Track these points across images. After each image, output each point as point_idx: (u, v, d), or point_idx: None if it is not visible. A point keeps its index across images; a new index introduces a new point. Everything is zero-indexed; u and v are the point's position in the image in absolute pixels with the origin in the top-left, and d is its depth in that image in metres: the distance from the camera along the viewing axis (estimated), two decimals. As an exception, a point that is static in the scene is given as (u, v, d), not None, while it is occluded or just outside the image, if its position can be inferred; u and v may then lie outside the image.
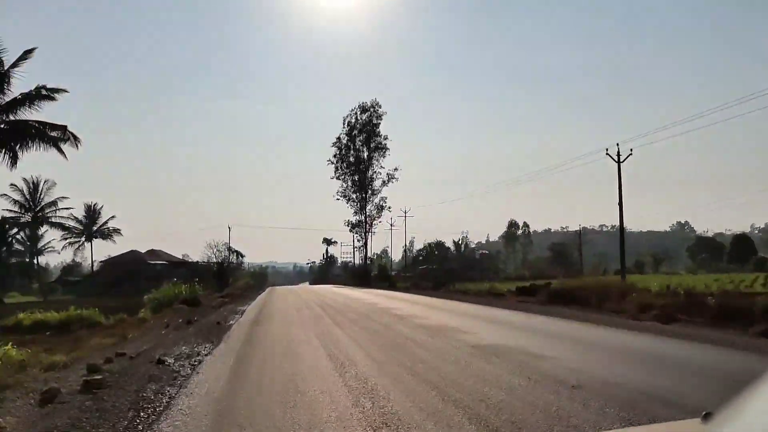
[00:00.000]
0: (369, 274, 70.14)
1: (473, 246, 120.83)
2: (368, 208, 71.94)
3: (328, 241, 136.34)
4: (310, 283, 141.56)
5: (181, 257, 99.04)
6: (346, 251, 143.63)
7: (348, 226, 72.25)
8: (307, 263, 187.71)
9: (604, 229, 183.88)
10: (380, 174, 71.66)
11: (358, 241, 73.29)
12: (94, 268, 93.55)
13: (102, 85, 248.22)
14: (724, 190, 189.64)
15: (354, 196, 71.90)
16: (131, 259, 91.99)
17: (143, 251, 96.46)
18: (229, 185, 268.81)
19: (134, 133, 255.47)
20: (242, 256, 49.85)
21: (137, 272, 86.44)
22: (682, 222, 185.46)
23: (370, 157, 71.75)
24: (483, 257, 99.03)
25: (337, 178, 72.03)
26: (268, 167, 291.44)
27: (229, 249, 49.11)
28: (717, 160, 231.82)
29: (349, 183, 71.80)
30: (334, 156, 72.25)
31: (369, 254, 74.01)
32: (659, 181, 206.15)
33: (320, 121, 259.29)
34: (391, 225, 78.83)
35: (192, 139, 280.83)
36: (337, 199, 71.93)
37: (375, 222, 72.57)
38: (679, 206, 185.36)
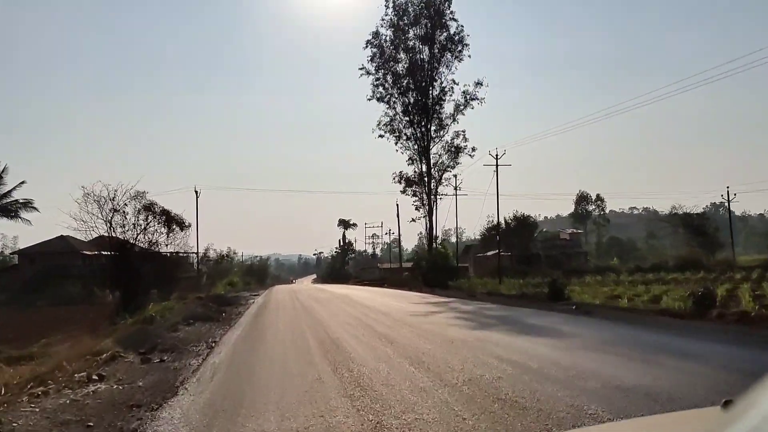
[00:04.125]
0: (438, 267, 39.64)
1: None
2: (434, 149, 41.36)
3: (345, 224, 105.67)
4: (318, 280, 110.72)
5: (147, 246, 66.14)
6: (377, 233, 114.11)
7: (400, 182, 41.78)
8: (315, 254, 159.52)
9: (635, 212, 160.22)
10: (452, 91, 40.99)
11: (417, 208, 42.50)
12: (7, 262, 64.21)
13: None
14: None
15: (409, 131, 41.32)
16: (60, 249, 61.41)
17: (87, 239, 65.78)
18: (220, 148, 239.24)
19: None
20: (184, 226, 20.97)
21: (67, 269, 56.46)
22: (717, 203, 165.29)
23: (434, 61, 40.82)
24: (573, 238, 68.31)
25: (377, 100, 41.31)
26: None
27: (150, 209, 19.39)
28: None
29: (399, 108, 41.11)
30: (370, 60, 41.44)
31: (435, 231, 43.33)
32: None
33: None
34: (456, 188, 47.72)
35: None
36: (380, 136, 41.30)
37: (446, 175, 41.95)
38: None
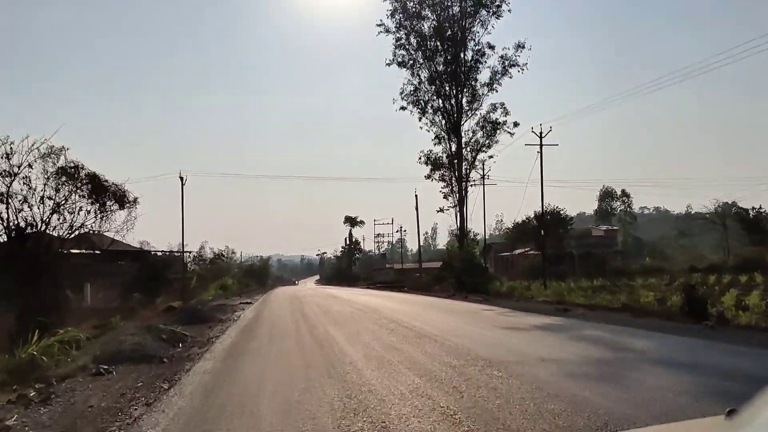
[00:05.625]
0: (473, 268, 32.53)
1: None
2: (466, 125, 34.26)
3: (352, 221, 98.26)
4: (322, 281, 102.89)
5: (138, 246, 59.36)
6: (381, 232, 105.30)
7: (426, 164, 34.81)
8: (317, 254, 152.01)
9: (646, 211, 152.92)
10: (488, 55, 33.92)
11: (445, 196, 35.48)
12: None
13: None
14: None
15: (436, 103, 34.27)
16: (34, 244, 53.54)
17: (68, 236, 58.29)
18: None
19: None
20: (126, 201, 14.22)
21: (40, 269, 48.74)
22: (729, 203, 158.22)
23: (467, 18, 33.70)
24: (609, 236, 61.09)
25: (398, 65, 34.28)
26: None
27: (69, 173, 12.62)
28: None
29: (425, 75, 34.01)
30: (390, 16, 34.45)
31: (466, 224, 36.30)
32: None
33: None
34: (483, 176, 40.24)
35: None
36: (402, 108, 34.30)
37: (481, 156, 34.94)
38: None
